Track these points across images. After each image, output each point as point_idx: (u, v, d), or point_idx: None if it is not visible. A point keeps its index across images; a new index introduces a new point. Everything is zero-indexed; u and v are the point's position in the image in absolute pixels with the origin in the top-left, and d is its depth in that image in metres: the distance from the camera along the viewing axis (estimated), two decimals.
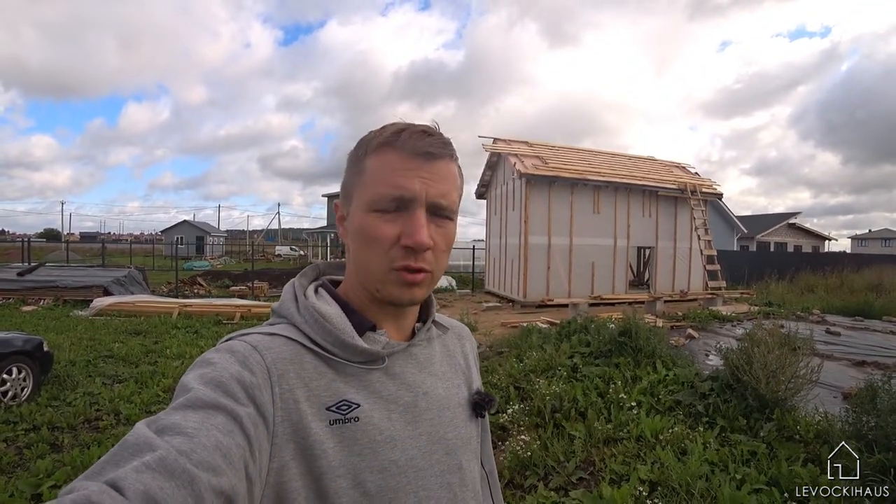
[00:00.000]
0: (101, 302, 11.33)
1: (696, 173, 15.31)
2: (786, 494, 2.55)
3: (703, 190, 13.60)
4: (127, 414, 4.54)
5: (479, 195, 15.77)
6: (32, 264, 15.85)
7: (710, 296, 11.76)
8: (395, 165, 0.59)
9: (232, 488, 0.43)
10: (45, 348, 5.21)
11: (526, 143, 13.49)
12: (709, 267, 12.63)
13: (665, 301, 11.25)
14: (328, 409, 0.56)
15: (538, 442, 3.48)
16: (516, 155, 12.33)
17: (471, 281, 18.04)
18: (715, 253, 12.83)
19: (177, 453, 0.41)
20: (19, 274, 13.62)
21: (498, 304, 12.41)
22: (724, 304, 11.27)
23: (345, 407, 0.57)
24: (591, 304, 10.53)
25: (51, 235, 58.50)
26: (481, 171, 14.91)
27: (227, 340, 0.58)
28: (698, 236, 12.81)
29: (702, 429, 3.45)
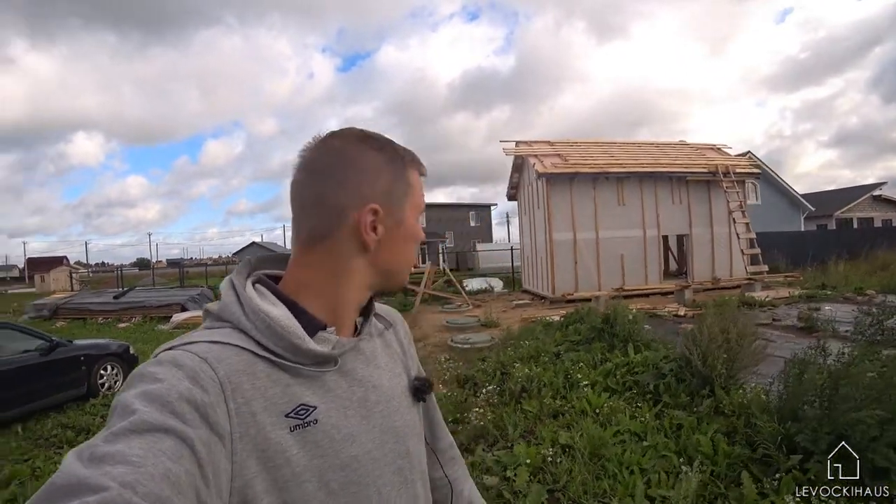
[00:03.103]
0: (178, 317, 13.03)
1: (748, 154, 14.84)
2: (682, 460, 2.92)
3: (738, 170, 13.25)
4: None
5: (510, 197, 16.21)
6: (125, 289, 18.21)
7: (748, 281, 11.52)
8: (421, 186, 0.70)
9: None
10: (131, 351, 6.89)
11: (547, 142, 13.81)
12: (747, 251, 12.31)
13: (698, 289, 11.18)
14: (287, 415, 0.55)
15: (493, 415, 4.05)
16: (536, 156, 12.71)
17: (511, 281, 18.46)
18: (754, 236, 12.47)
19: (120, 487, 0.38)
20: (115, 297, 15.87)
21: (529, 302, 12.82)
22: (764, 289, 11.02)
23: (303, 411, 0.56)
24: (617, 297, 10.70)
25: (142, 264, 65.32)
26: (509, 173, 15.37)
27: (168, 349, 0.54)
28: (734, 220, 12.52)
29: (644, 405, 3.85)
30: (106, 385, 6.24)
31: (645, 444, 3.14)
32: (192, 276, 33.54)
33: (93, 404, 5.73)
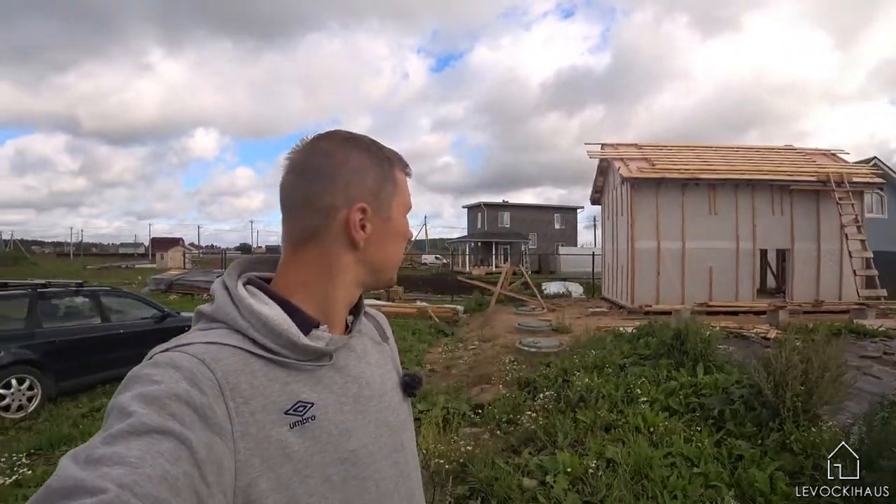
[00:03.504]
0: None
1: (873, 161, 13.31)
2: (732, 493, 2.80)
3: (856, 179, 11.84)
4: None
5: (594, 201, 15.75)
6: None
7: (859, 307, 10.32)
8: (406, 183, 0.73)
9: None
10: None
11: (635, 145, 13.24)
12: (861, 272, 11.02)
13: (794, 311, 10.22)
14: (286, 412, 0.56)
15: (545, 421, 4.07)
16: (622, 159, 12.25)
17: (590, 288, 17.94)
18: (870, 255, 11.12)
19: (118, 488, 0.38)
20: (218, 277, 17.70)
21: (605, 310, 12.43)
22: (879, 316, 9.82)
23: (301, 408, 0.57)
24: (701, 312, 10.06)
25: (244, 248, 71.62)
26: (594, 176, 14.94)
27: (164, 351, 0.54)
28: (846, 235, 11.24)
29: (703, 430, 3.68)
30: None
31: (696, 470, 3.03)
32: None
33: None
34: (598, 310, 12.47)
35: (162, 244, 58.49)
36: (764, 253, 13.25)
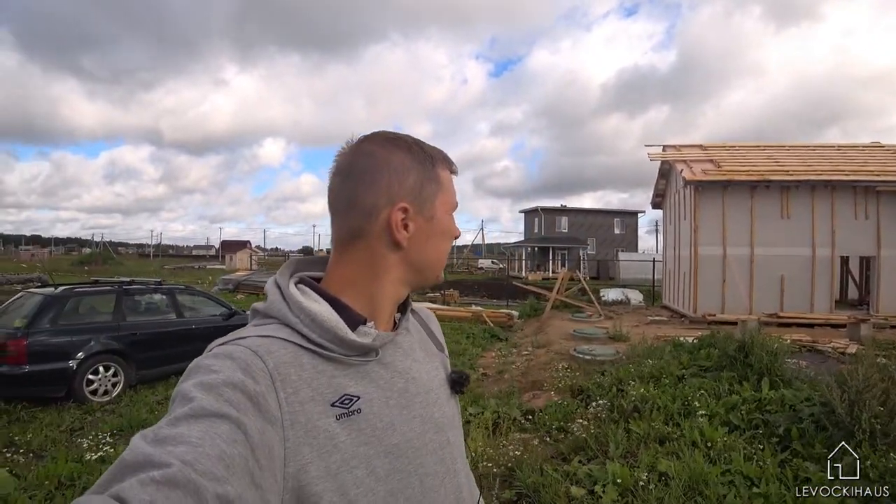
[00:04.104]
0: None
1: None
2: None
3: None
4: None
5: (655, 205, 15.17)
6: None
7: None
8: (453, 181, 0.74)
9: (238, 496, 0.44)
10: None
11: (700, 146, 12.64)
12: None
13: (880, 324, 9.38)
14: (333, 405, 0.58)
15: (596, 430, 3.99)
16: (685, 161, 11.73)
17: (650, 295, 17.27)
18: None
19: (181, 464, 0.42)
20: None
21: (666, 319, 11.94)
22: None
23: (347, 401, 0.59)
24: (771, 323, 9.47)
25: (307, 251, 74.77)
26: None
27: (222, 344, 0.58)
28: None
29: (767, 449, 3.47)
30: None
31: (755, 490, 2.87)
32: None
33: None
34: (657, 318, 12.01)
35: (231, 246, 62.14)
36: (845, 261, 12.26)
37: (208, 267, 44.08)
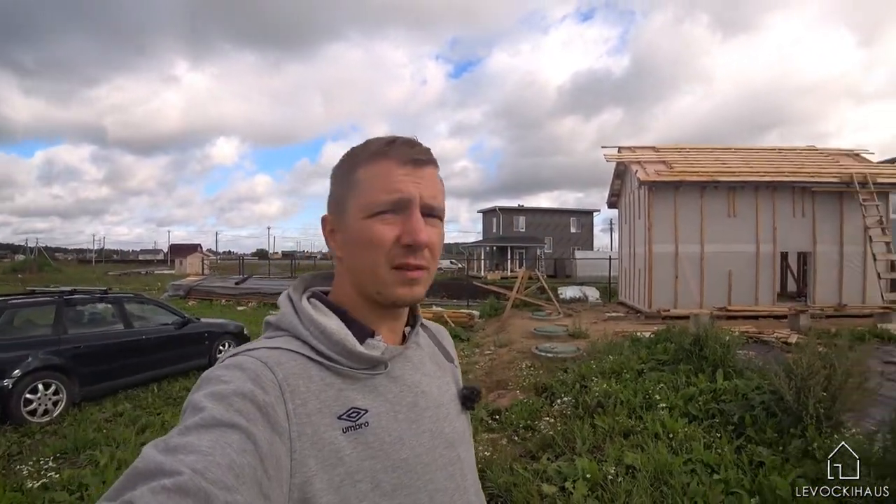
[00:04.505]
0: None
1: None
2: (755, 501, 2.74)
3: (881, 180, 11.56)
4: None
5: (611, 205, 15.64)
6: (245, 276, 20.44)
7: (884, 311, 10.07)
8: (390, 172, 0.62)
9: None
10: (245, 332, 7.71)
11: (653, 148, 13.13)
12: (885, 275, 10.75)
13: (816, 315, 10.02)
14: (339, 417, 0.58)
15: (563, 426, 4.05)
16: (639, 162, 12.15)
17: (607, 292, 17.78)
18: (895, 258, 10.86)
19: (192, 472, 0.42)
20: (236, 283, 17.97)
21: (622, 315, 12.31)
22: None
23: (354, 414, 0.59)
24: (720, 317, 9.92)
25: (261, 254, 72.65)
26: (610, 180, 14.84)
27: (233, 355, 0.58)
28: (870, 237, 10.98)
29: (724, 436, 3.63)
30: None
31: (716, 477, 2.98)
32: (303, 268, 36.61)
33: None
34: (614, 314, 12.37)
35: (181, 250, 59.60)
36: (785, 256, 13.01)
37: (156, 272, 42.09)
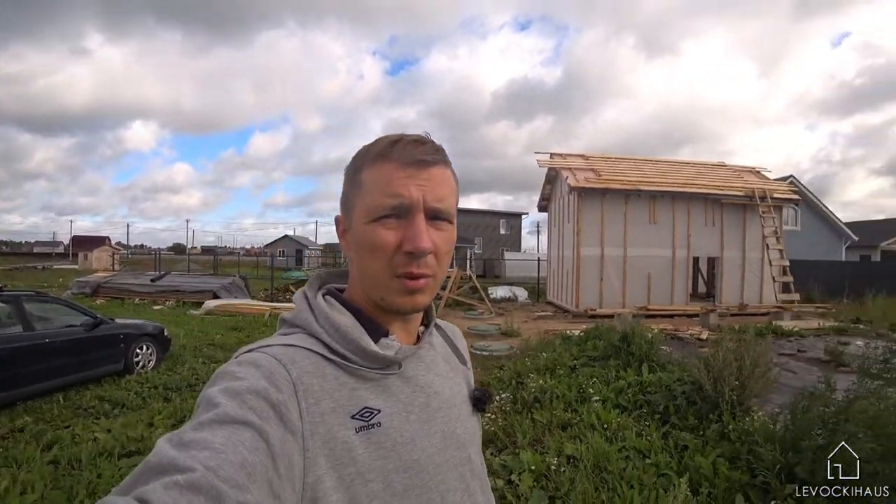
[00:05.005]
0: (210, 303, 13.54)
1: (790, 179, 14.53)
2: (682, 480, 3.00)
3: (777, 195, 12.97)
4: None
5: (541, 208, 16.24)
6: (162, 273, 18.99)
7: (777, 309, 11.28)
8: (391, 175, 0.60)
9: None
10: (166, 334, 7.12)
11: (582, 156, 13.81)
12: (779, 279, 12.05)
13: (723, 314, 11.01)
14: (353, 417, 0.57)
15: (504, 422, 4.17)
16: (570, 169, 12.73)
17: (535, 292, 18.44)
18: (787, 264, 12.20)
19: (204, 469, 0.42)
20: (152, 280, 16.65)
21: (551, 314, 12.83)
22: (793, 318, 10.78)
23: (367, 414, 0.58)
24: (641, 315, 10.61)
25: (178, 248, 67.89)
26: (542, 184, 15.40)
27: (248, 352, 0.58)
28: (767, 245, 12.26)
29: (652, 424, 3.91)
30: (140, 364, 6.47)
31: (648, 461, 3.21)
32: (225, 265, 34.70)
33: (128, 380, 6.00)
34: (543, 314, 12.85)
35: (85, 243, 54.19)
36: (696, 260, 14.16)
37: (56, 267, 38.05)
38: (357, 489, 0.55)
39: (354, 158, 0.66)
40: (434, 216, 0.62)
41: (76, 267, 38.21)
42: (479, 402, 0.76)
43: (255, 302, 15.13)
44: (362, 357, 0.61)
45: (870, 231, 26.48)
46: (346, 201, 0.66)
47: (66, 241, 68.62)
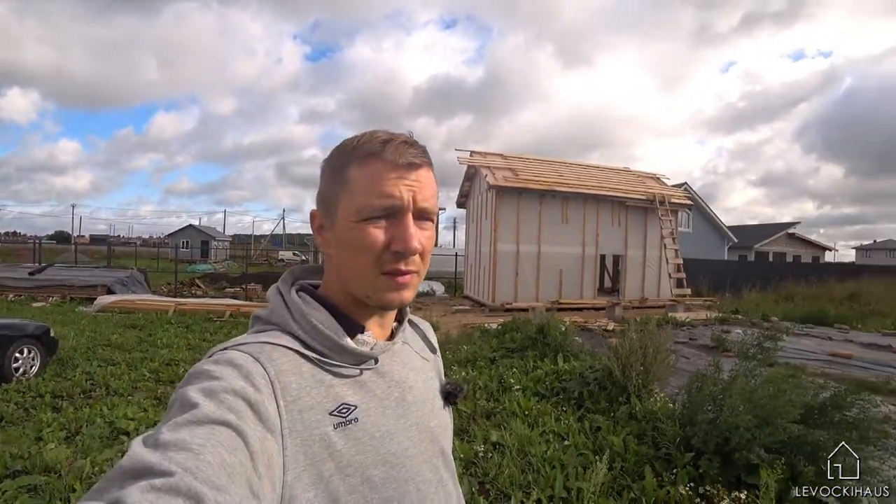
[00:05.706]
0: (104, 300, 12.23)
1: (684, 186, 15.98)
2: (597, 457, 3.27)
3: (673, 200, 14.30)
4: (115, 387, 5.37)
5: (460, 205, 16.60)
6: (42, 265, 16.88)
7: (672, 302, 12.46)
8: (383, 175, 0.61)
9: None
10: (52, 334, 6.15)
11: (501, 155, 14.30)
12: (674, 275, 13.31)
13: (626, 307, 11.97)
14: (331, 413, 0.58)
15: None
16: (489, 167, 13.13)
17: (452, 286, 18.81)
18: (681, 262, 13.51)
19: (182, 471, 0.41)
20: (30, 273, 14.67)
21: (468, 308, 13.19)
22: (685, 311, 11.97)
23: (345, 410, 0.59)
24: (553, 309, 11.24)
25: (61, 238, 60.50)
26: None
27: (223, 349, 0.58)
28: (664, 245, 13.50)
29: (568, 409, 4.21)
30: (21, 370, 5.58)
31: (566, 443, 3.47)
32: (119, 256, 31.53)
33: (6, 390, 5.11)
34: (461, 308, 13.18)
35: None
36: (603, 258, 15.23)
37: None
38: (336, 484, 0.55)
39: (338, 154, 0.65)
40: (420, 216, 0.63)
41: None
42: (451, 395, 0.78)
43: (156, 297, 13.95)
44: (339, 353, 0.61)
45: (747, 234, 30.06)
46: (329, 197, 0.65)
47: None
